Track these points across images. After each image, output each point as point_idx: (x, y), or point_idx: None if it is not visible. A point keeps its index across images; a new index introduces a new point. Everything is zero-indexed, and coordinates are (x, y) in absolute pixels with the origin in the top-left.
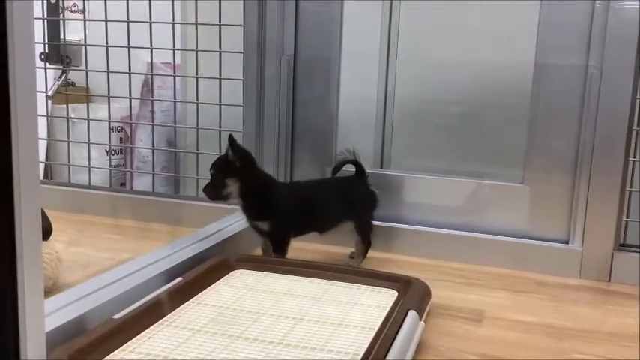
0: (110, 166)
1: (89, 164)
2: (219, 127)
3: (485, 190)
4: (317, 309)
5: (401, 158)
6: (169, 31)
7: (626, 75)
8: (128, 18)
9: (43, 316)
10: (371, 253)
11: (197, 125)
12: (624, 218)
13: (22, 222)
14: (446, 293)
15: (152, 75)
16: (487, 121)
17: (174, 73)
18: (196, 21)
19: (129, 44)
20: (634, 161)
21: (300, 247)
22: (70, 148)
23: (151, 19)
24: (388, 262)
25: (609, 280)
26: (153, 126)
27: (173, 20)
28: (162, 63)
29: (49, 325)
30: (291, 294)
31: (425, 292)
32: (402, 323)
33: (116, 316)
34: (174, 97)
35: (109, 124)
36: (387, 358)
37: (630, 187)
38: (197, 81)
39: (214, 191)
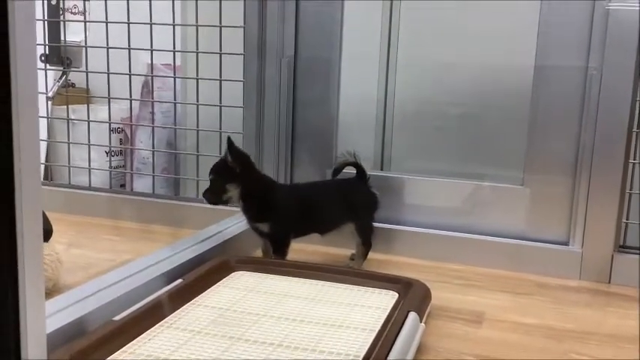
0: (110, 167)
1: (89, 165)
2: (220, 128)
3: (485, 192)
4: (317, 311)
5: (401, 160)
6: (170, 32)
7: (627, 77)
8: (128, 19)
9: (44, 318)
10: (371, 255)
11: (197, 127)
12: (624, 220)
13: (24, 223)
14: (446, 295)
15: (152, 76)
16: (487, 123)
17: (175, 74)
18: (197, 22)
19: (129, 45)
20: (634, 163)
21: (301, 249)
22: (70, 150)
23: (151, 20)
24: (388, 263)
25: (609, 282)
26: (153, 127)
27: (173, 22)
28: (162, 64)
29: (49, 326)
30: (291, 296)
31: (425, 294)
32: (402, 325)
33: (116, 318)
34: (175, 99)
35: (109, 126)
36: (388, 359)
37: (630, 189)
38: (197, 82)
39: (214, 196)
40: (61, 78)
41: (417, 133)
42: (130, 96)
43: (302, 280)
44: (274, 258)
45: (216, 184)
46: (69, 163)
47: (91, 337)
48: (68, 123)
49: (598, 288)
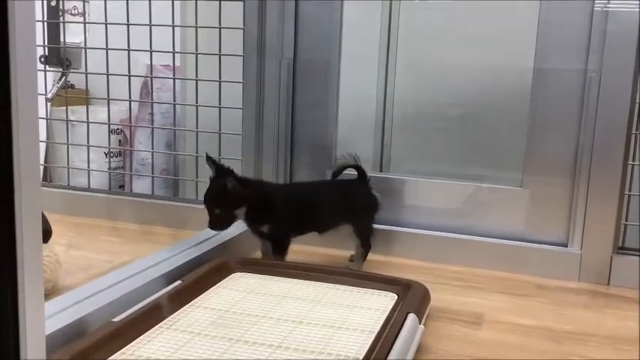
0: (109, 168)
1: (88, 167)
2: (219, 129)
3: (484, 193)
4: (317, 312)
5: (400, 161)
6: (169, 33)
7: (625, 79)
8: (128, 21)
9: (43, 319)
10: (370, 256)
11: (197, 128)
12: (623, 221)
13: (23, 224)
14: (445, 296)
15: (151, 77)
16: (487, 124)
17: (174, 75)
18: (196, 24)
19: (128, 47)
20: (633, 165)
21: (300, 250)
22: (70, 151)
23: (150, 21)
24: (388, 265)
25: (608, 284)
26: (152, 128)
27: (173, 23)
28: (161, 65)
29: (49, 327)
30: (290, 297)
31: (424, 296)
32: (401, 326)
33: (116, 319)
34: (174, 100)
35: (109, 127)
36: None
37: (629, 191)
38: (197, 83)
39: (226, 226)
40: (60, 79)
41: (417, 134)
42: (130, 97)
43: (301, 281)
44: (274, 258)
45: (224, 217)
46: (68, 165)
47: (91, 339)
48: (67, 124)
49: (597, 289)
